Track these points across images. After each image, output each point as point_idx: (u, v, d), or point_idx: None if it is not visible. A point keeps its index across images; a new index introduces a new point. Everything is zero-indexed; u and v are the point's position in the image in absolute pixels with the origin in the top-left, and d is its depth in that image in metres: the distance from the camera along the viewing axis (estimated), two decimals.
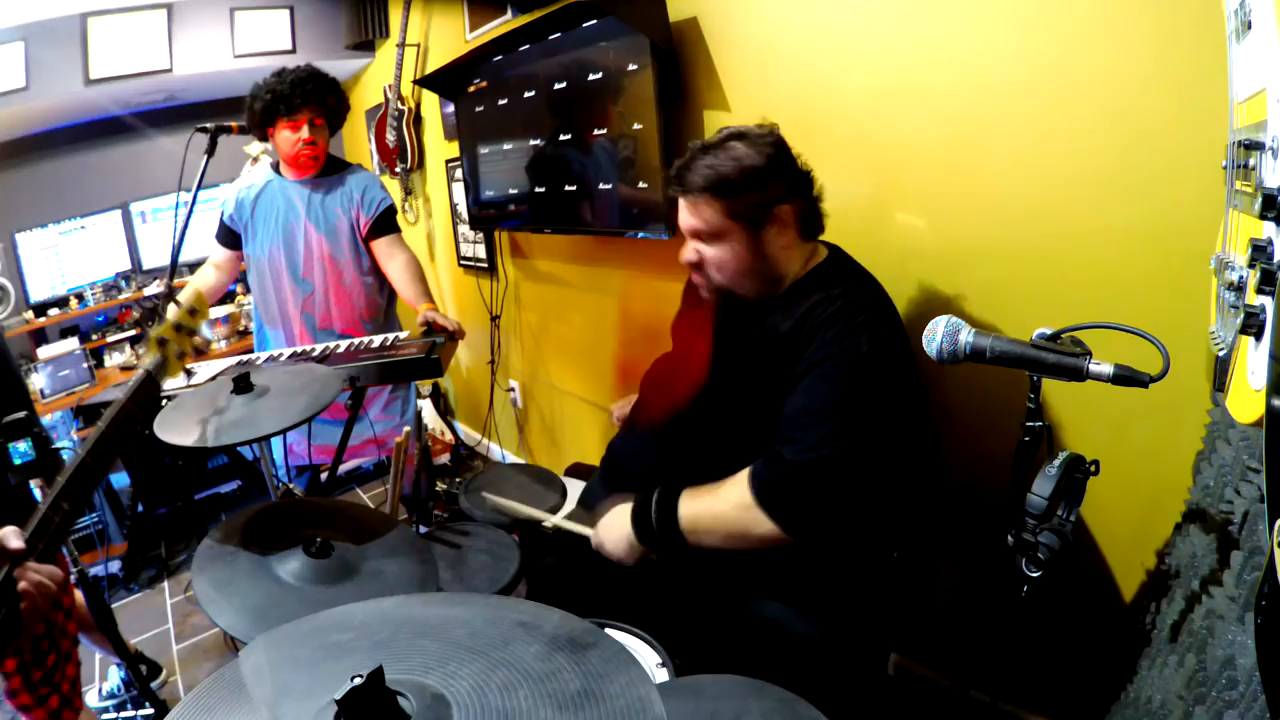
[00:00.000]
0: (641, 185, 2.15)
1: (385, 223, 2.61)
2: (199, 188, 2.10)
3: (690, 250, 1.44)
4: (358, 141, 4.44)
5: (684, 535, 1.36)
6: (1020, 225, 1.47)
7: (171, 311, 1.42)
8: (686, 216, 1.41)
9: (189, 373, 2.08)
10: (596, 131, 2.28)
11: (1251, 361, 0.75)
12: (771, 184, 1.36)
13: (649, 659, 1.30)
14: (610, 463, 1.71)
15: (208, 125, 2.23)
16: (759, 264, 1.39)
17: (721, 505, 1.34)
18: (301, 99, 2.38)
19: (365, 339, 2.42)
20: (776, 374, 1.36)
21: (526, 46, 2.53)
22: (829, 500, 1.26)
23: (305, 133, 2.43)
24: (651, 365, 1.72)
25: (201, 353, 1.48)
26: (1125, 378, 0.95)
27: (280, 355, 2.39)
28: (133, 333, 3.79)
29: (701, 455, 1.48)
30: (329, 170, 2.61)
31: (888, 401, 1.31)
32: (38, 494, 1.73)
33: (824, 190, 1.47)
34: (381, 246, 2.61)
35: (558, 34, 2.36)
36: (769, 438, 1.34)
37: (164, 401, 1.56)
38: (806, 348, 1.31)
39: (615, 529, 1.44)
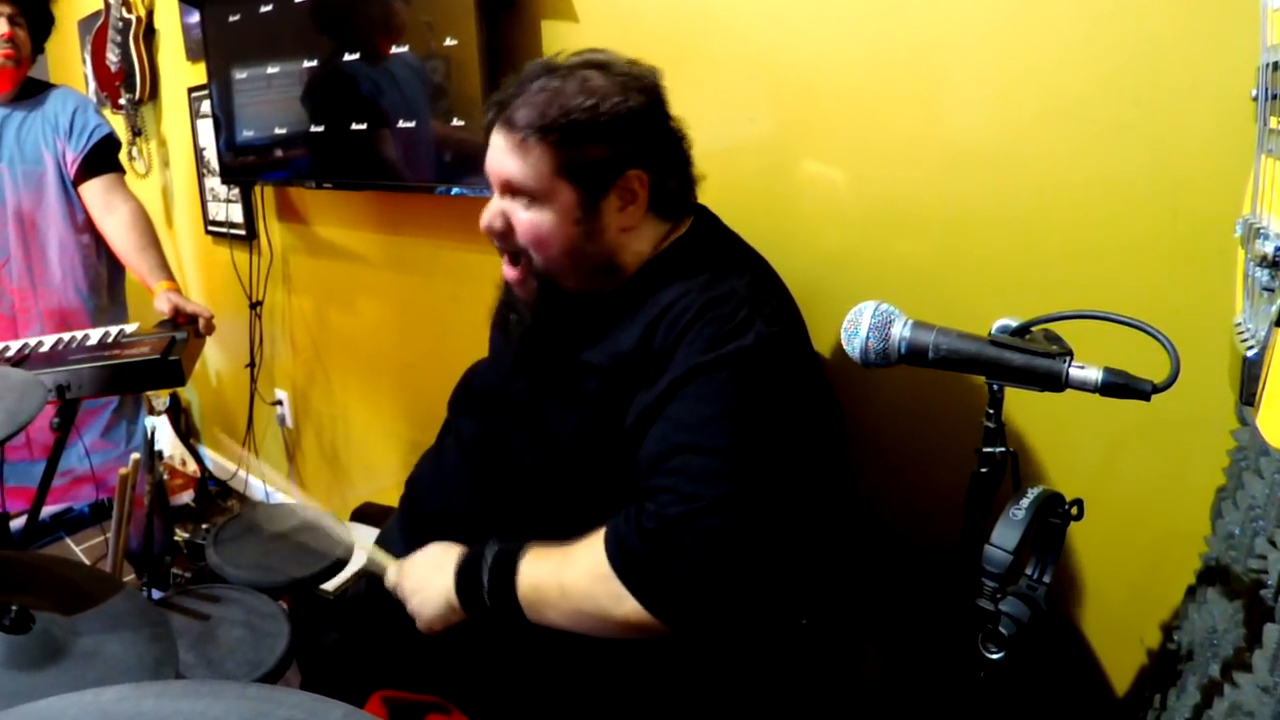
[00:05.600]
0: (456, 122, 2.10)
1: (102, 158, 2.52)
2: None
3: (495, 212, 1.36)
4: (68, 64, 4.30)
5: (523, 609, 1.28)
6: (974, 178, 1.45)
7: None
8: (501, 159, 1.33)
9: None
10: (395, 49, 2.20)
11: None
12: (628, 139, 1.31)
13: None
14: (410, 502, 1.64)
15: None
16: (588, 245, 1.34)
17: (572, 572, 1.25)
18: None
19: (79, 334, 2.27)
20: (621, 403, 1.30)
21: None
22: (717, 571, 1.17)
23: (3, 27, 2.35)
24: (465, 373, 1.65)
25: None
26: (1119, 386, 0.93)
27: None
28: None
29: (527, 497, 1.42)
30: (25, 94, 2.50)
31: (790, 421, 1.27)
32: None
33: (702, 142, 1.44)
34: (95, 191, 2.50)
35: None
36: (626, 480, 1.27)
37: None
38: (666, 365, 1.26)
39: (431, 580, 1.38)
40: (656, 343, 1.27)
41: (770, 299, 1.31)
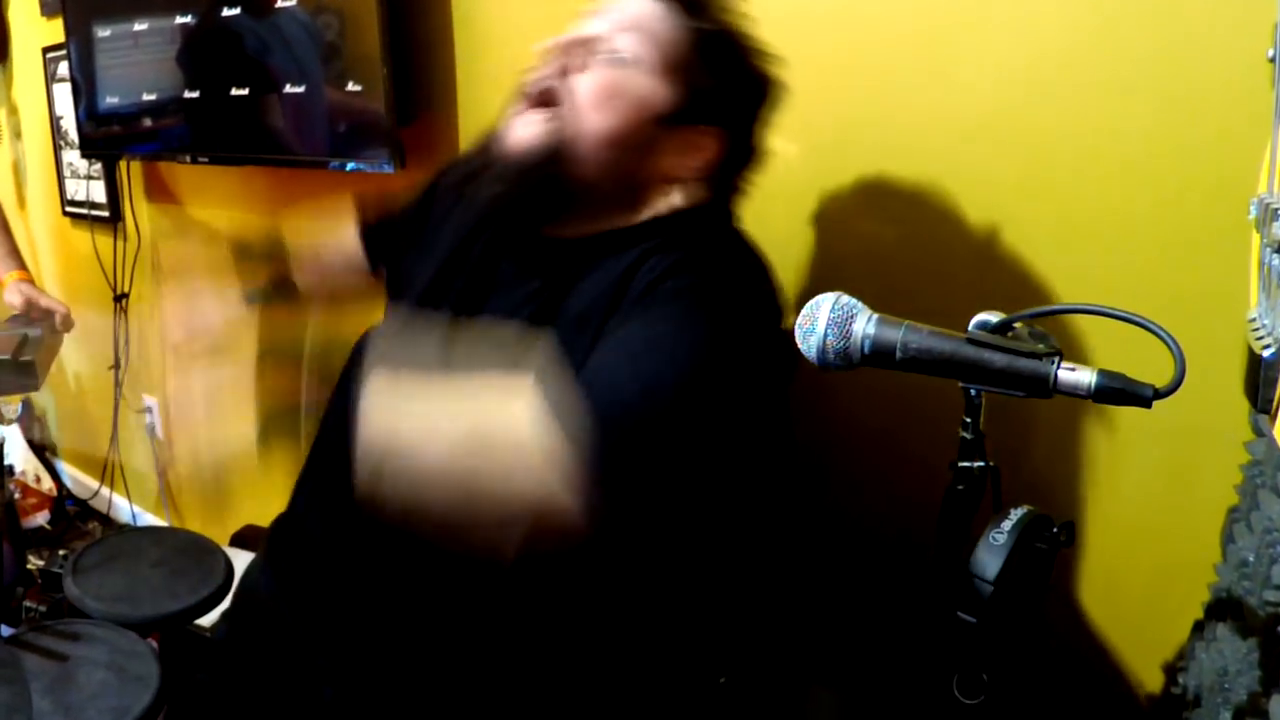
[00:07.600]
0: (352, 87, 2.10)
1: None
2: None
3: (556, 69, 1.27)
4: None
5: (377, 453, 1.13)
6: (948, 150, 1.44)
7: None
8: (637, 5, 1.27)
9: None
10: (281, 2, 2.20)
11: None
12: (738, 101, 1.30)
13: None
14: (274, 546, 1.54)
15: None
16: (628, 157, 1.26)
17: (493, 421, 1.12)
18: None
19: None
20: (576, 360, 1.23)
21: None
22: (643, 479, 1.10)
23: None
24: (357, 343, 1.52)
25: None
26: (1115, 391, 0.90)
27: None
28: None
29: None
30: None
31: (748, 395, 1.22)
32: None
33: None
34: None
35: None
36: None
37: None
38: (626, 312, 1.21)
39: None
40: (619, 298, 1.22)
41: (762, 285, 1.28)
